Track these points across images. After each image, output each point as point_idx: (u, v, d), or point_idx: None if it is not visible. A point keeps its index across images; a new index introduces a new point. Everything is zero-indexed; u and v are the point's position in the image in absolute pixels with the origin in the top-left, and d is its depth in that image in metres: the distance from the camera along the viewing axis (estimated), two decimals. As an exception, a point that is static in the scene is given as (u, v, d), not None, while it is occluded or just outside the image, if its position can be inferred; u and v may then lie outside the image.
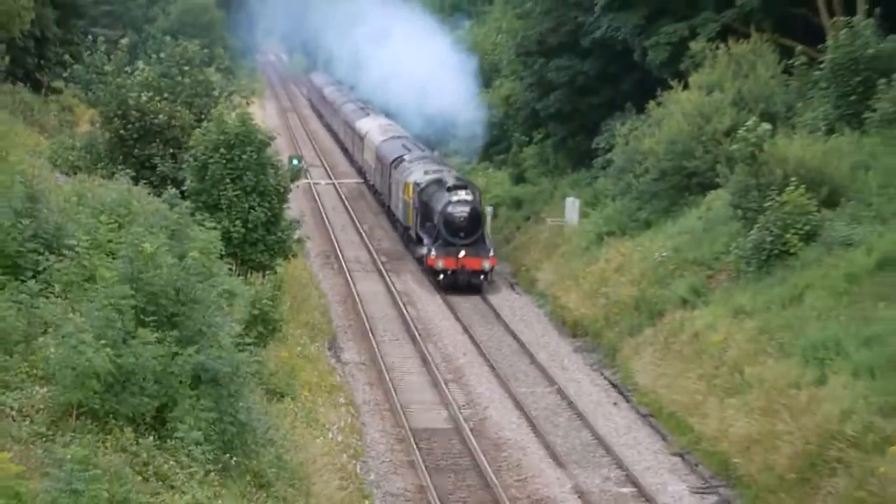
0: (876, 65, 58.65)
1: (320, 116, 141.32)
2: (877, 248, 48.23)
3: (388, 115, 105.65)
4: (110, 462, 23.11)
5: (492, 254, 67.46)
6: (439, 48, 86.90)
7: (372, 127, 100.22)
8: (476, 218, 68.13)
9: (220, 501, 27.00)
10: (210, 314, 30.10)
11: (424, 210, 71.42)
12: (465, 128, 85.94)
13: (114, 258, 30.18)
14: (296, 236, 54.48)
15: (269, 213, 51.11)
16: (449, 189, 69.05)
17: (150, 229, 33.11)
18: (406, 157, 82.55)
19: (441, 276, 66.62)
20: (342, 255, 78.18)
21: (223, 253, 36.95)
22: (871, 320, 43.93)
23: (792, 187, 52.23)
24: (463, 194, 68.56)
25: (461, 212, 67.47)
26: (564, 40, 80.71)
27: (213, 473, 27.81)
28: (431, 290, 70.05)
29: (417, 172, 76.03)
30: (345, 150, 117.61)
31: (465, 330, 61.34)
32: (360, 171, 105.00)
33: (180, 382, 27.95)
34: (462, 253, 66.36)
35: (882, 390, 39.00)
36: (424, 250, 68.87)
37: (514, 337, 61.15)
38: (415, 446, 45.59)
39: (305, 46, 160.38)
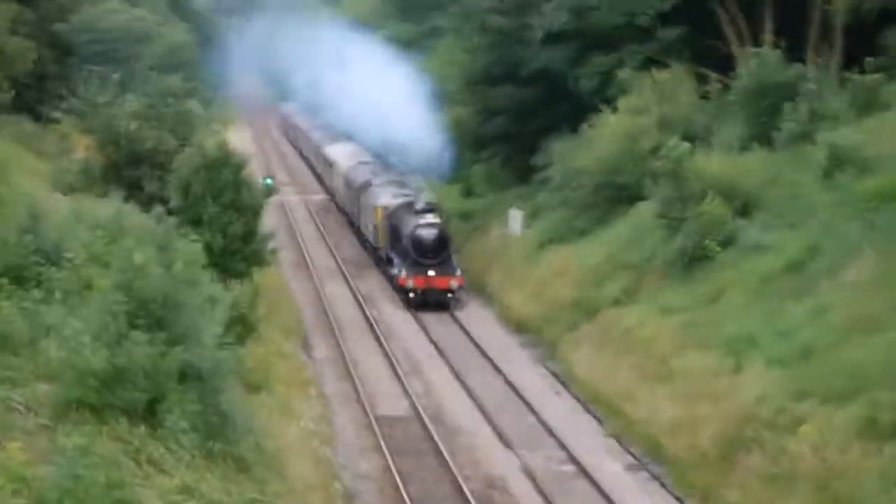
0: (781, 90, 59.19)
1: (291, 141, 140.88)
2: (785, 252, 48.58)
3: (354, 141, 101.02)
4: (107, 450, 23.16)
5: (458, 273, 65.35)
6: (400, 78, 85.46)
7: (340, 153, 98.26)
8: (443, 240, 66.02)
9: (205, 483, 27.05)
10: (194, 317, 30.17)
11: (394, 232, 69.19)
12: (427, 149, 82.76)
13: (108, 269, 30.21)
14: (270, 247, 54.60)
15: (245, 227, 51.25)
16: (417, 212, 67.08)
17: (140, 243, 33.12)
18: (374, 181, 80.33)
19: (411, 295, 64.25)
20: (311, 263, 78.12)
21: (205, 263, 36.93)
22: (781, 316, 44.26)
23: (710, 199, 52.76)
24: (430, 217, 66.54)
25: (429, 234, 65.36)
26: (507, 71, 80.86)
27: (198, 459, 27.94)
28: (392, 294, 69.99)
29: (385, 196, 74.02)
30: (316, 175, 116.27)
31: (422, 329, 61.37)
32: (330, 193, 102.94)
33: (168, 378, 28.03)
34: (431, 272, 64.45)
35: (792, 377, 39.30)
36: (395, 270, 66.67)
37: (467, 334, 61.21)
38: (379, 432, 45.60)
39: (275, 79, 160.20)
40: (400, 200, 71.13)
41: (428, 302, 63.66)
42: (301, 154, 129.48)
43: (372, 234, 75.46)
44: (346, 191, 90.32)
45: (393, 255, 68.14)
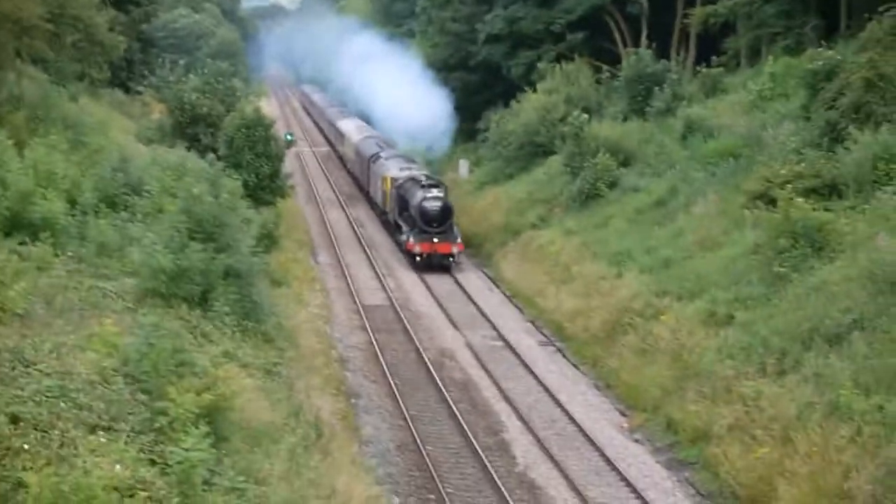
0: (652, 78, 59.89)
1: (308, 113, 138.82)
2: (653, 192, 48.99)
3: (361, 117, 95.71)
4: (173, 326, 23.12)
5: (459, 240, 56.57)
6: (398, 67, 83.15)
7: (350, 127, 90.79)
8: (447, 211, 56.75)
9: (241, 350, 27.19)
10: (235, 233, 30.30)
11: (401, 202, 60.41)
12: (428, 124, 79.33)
13: (175, 197, 30.19)
14: (289, 183, 54.56)
15: (272, 169, 51.39)
16: (423, 186, 57.99)
17: (197, 179, 33.10)
18: (382, 154, 70.83)
19: (417, 259, 55.65)
20: (318, 196, 77.79)
21: (243, 195, 36.92)
22: (649, 237, 44.53)
23: (601, 154, 53.04)
24: (436, 192, 57.22)
25: (434, 206, 56.34)
26: (459, 61, 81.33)
27: (237, 333, 28.13)
28: (374, 217, 69.82)
29: (394, 169, 64.65)
30: (323, 134, 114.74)
31: (396, 244, 61.20)
32: (340, 158, 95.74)
33: (216, 276, 28.14)
34: (435, 239, 55.73)
35: (656, 281, 39.54)
36: (404, 237, 57.95)
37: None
38: (364, 316, 45.59)
39: (295, 64, 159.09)
40: (407, 173, 62.63)
41: (432, 264, 55.62)
42: (314, 121, 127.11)
43: (381, 199, 67.16)
44: (357, 159, 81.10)
45: (401, 223, 59.89)
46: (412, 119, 71.26)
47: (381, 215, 68.55)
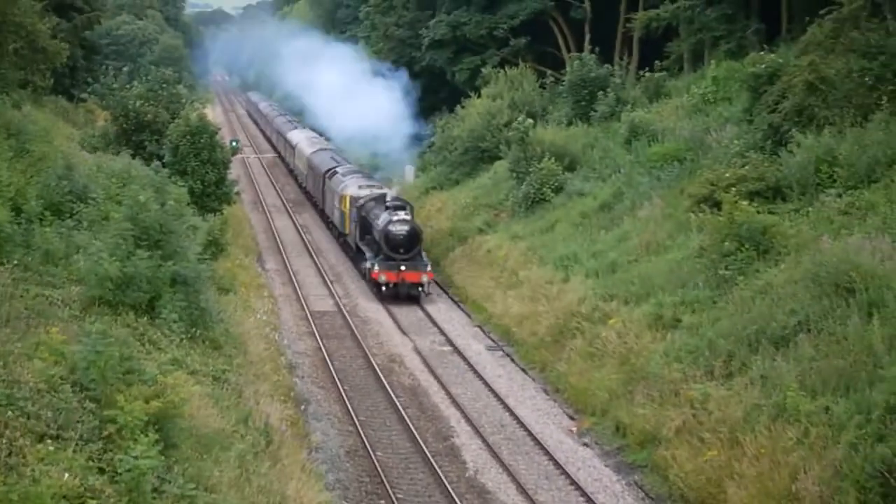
0: (596, 83, 60.24)
1: (255, 121, 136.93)
2: (599, 196, 49.16)
3: (312, 127, 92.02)
4: (120, 333, 22.96)
5: (429, 268, 51.05)
6: (349, 69, 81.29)
7: (301, 138, 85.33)
8: (414, 236, 51.02)
9: (189, 357, 27.07)
10: (181, 240, 30.28)
11: (363, 224, 54.76)
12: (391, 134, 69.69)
13: (120, 205, 30.06)
14: (235, 190, 54.42)
15: (217, 176, 51.22)
16: (388, 208, 52.21)
17: (143, 187, 32.97)
18: (338, 169, 65.45)
19: (383, 288, 49.74)
20: (264, 202, 77.52)
21: (189, 201, 36.83)
22: (595, 242, 44.75)
23: (546, 159, 53.08)
24: (402, 214, 51.43)
25: (401, 230, 50.52)
26: (404, 66, 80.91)
27: (185, 340, 27.99)
28: (320, 223, 69.61)
29: (352, 186, 58.72)
30: (269, 140, 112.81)
31: (342, 249, 61.04)
32: (291, 171, 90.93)
33: (163, 283, 28.04)
34: (403, 267, 49.79)
35: (603, 285, 39.67)
36: (368, 264, 51.60)
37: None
38: (312, 322, 45.45)
39: (240, 70, 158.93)
40: (368, 192, 56.92)
41: (399, 294, 49.91)
42: (264, 133, 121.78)
43: (338, 219, 61.27)
44: (310, 173, 75.55)
45: (364, 248, 54.15)
46: (368, 125, 67.97)
47: (339, 237, 62.96)
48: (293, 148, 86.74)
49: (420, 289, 50.18)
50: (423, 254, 52.08)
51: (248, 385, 29.74)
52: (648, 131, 50.58)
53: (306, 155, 77.83)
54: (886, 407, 22.43)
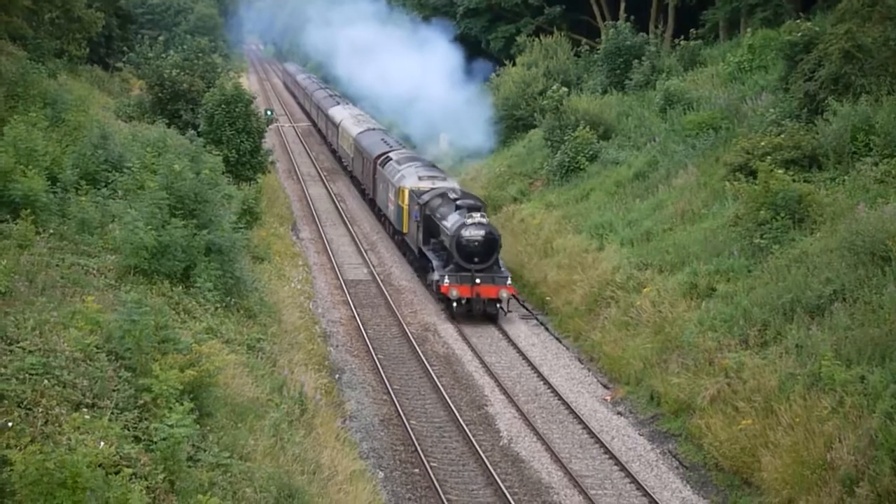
0: (631, 51, 60.08)
1: (290, 91, 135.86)
2: (633, 165, 49.01)
3: (358, 105, 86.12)
4: (155, 302, 23.03)
5: (509, 281, 42.08)
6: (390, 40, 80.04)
7: (345, 115, 77.39)
8: (492, 243, 42.20)
9: (223, 326, 27.13)
10: (216, 209, 30.30)
11: (428, 225, 46.11)
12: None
13: (155, 174, 30.10)
14: (269, 159, 54.54)
15: (252, 145, 51.38)
16: (459, 208, 43.77)
17: (178, 156, 33.03)
18: (392, 155, 57.09)
19: (454, 305, 41.64)
20: (299, 171, 77.52)
21: (224, 170, 36.89)
22: (630, 210, 44.59)
23: (581, 127, 52.91)
24: (478, 217, 42.44)
25: (475, 236, 41.97)
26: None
27: (219, 309, 28.05)
28: (354, 192, 69.52)
29: (411, 177, 49.99)
30: (303, 109, 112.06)
31: (376, 216, 60.95)
32: (332, 148, 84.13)
33: (198, 252, 28.09)
34: (478, 280, 41.56)
35: (637, 254, 39.56)
36: (435, 276, 42.98)
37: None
38: (346, 291, 45.48)
39: (274, 39, 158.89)
40: (431, 185, 48.61)
41: (472, 312, 42.02)
42: (298, 103, 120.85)
43: (394, 215, 52.61)
44: (357, 157, 67.48)
45: (430, 254, 45.28)
46: (443, 108, 63.90)
47: (395, 235, 54.64)
48: (336, 126, 79.22)
49: (498, 305, 42.26)
50: (502, 263, 43.69)
51: (283, 354, 29.81)
52: (683, 100, 50.32)
53: (352, 136, 69.94)
54: (922, 376, 22.31)
